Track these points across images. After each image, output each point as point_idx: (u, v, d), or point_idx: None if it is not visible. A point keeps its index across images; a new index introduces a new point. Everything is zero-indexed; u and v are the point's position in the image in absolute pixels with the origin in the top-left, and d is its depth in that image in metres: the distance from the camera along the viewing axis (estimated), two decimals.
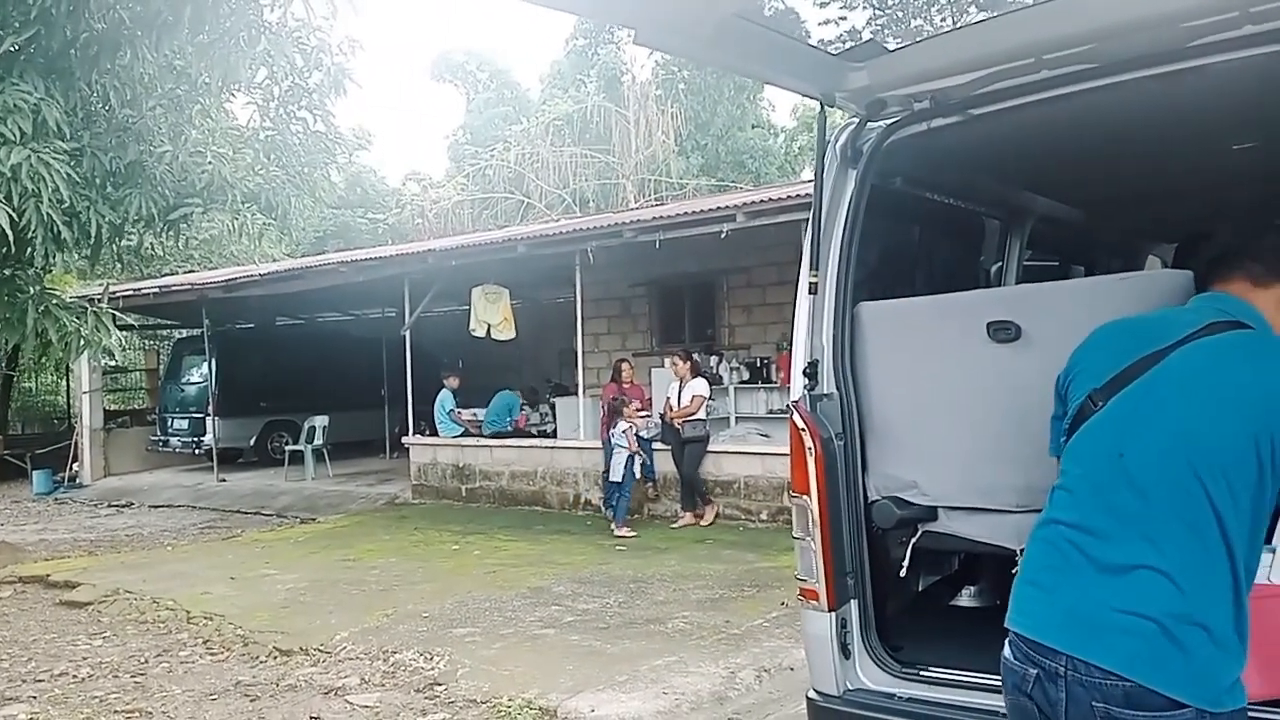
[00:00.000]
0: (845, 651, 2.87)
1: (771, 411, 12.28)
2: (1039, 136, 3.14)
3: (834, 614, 2.86)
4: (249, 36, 7.18)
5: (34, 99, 6.44)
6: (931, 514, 2.89)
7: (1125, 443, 1.88)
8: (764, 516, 10.03)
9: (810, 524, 2.87)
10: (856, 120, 3.00)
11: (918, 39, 2.92)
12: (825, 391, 2.96)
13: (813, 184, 3.02)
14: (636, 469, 10.40)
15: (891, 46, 2.80)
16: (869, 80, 2.84)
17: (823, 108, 2.91)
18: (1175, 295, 2.46)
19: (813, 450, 2.87)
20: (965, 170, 3.50)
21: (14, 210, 6.44)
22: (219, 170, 7.62)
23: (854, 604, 2.89)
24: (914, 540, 2.94)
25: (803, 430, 2.89)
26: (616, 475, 9.94)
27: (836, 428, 2.91)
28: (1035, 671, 1.86)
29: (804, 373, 2.95)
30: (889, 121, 2.94)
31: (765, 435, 11.33)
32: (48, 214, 6.61)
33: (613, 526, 9.84)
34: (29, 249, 7.40)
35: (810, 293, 2.96)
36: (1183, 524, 1.78)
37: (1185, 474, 1.79)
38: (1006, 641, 1.97)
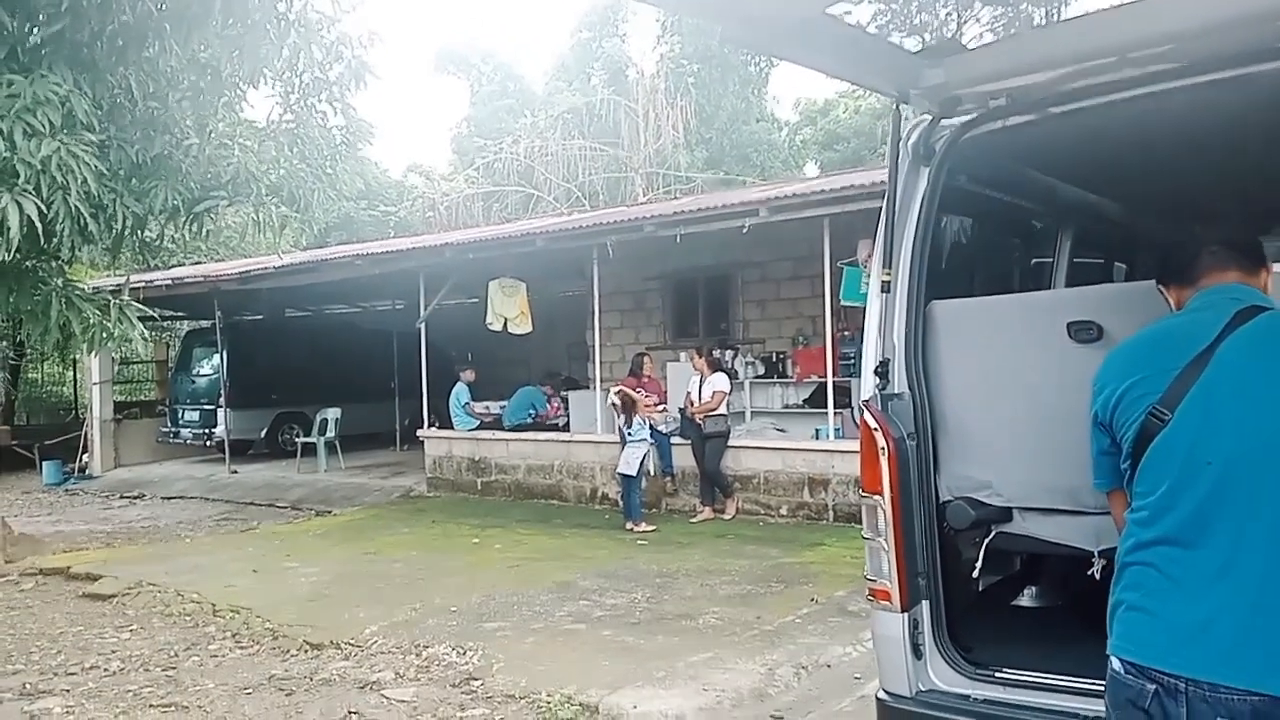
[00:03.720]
0: (917, 652, 2.86)
1: (787, 406, 12.27)
2: (1111, 135, 3.13)
3: (906, 614, 2.85)
4: (278, 30, 7.14)
5: (63, 91, 6.39)
6: (1006, 515, 2.88)
7: (1210, 449, 1.84)
8: (784, 511, 10.03)
9: (882, 524, 2.86)
10: (929, 118, 2.98)
11: (997, 38, 2.90)
12: (897, 390, 2.94)
13: (885, 181, 3.01)
14: (650, 464, 10.38)
15: (972, 45, 2.78)
16: (945, 78, 2.83)
17: (898, 105, 2.89)
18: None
19: (885, 450, 2.85)
20: (1033, 168, 3.50)
21: (43, 202, 6.41)
22: (245, 163, 7.58)
23: (925, 604, 2.88)
24: (987, 541, 2.93)
25: (875, 430, 2.87)
26: (631, 469, 9.90)
27: (908, 427, 2.90)
28: (1154, 687, 1.82)
29: (875, 371, 2.94)
30: (963, 119, 2.93)
31: (781, 430, 11.33)
32: (75, 206, 6.57)
33: (629, 524, 9.81)
34: (54, 241, 7.38)
35: (883, 291, 2.94)
36: None
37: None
38: (1112, 656, 1.94)
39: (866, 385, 2.97)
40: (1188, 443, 1.88)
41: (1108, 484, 2.13)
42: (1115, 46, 2.58)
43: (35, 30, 6.59)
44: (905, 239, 2.97)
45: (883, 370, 2.93)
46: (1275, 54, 2.45)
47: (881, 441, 2.86)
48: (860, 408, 2.96)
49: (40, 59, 6.66)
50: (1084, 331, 2.66)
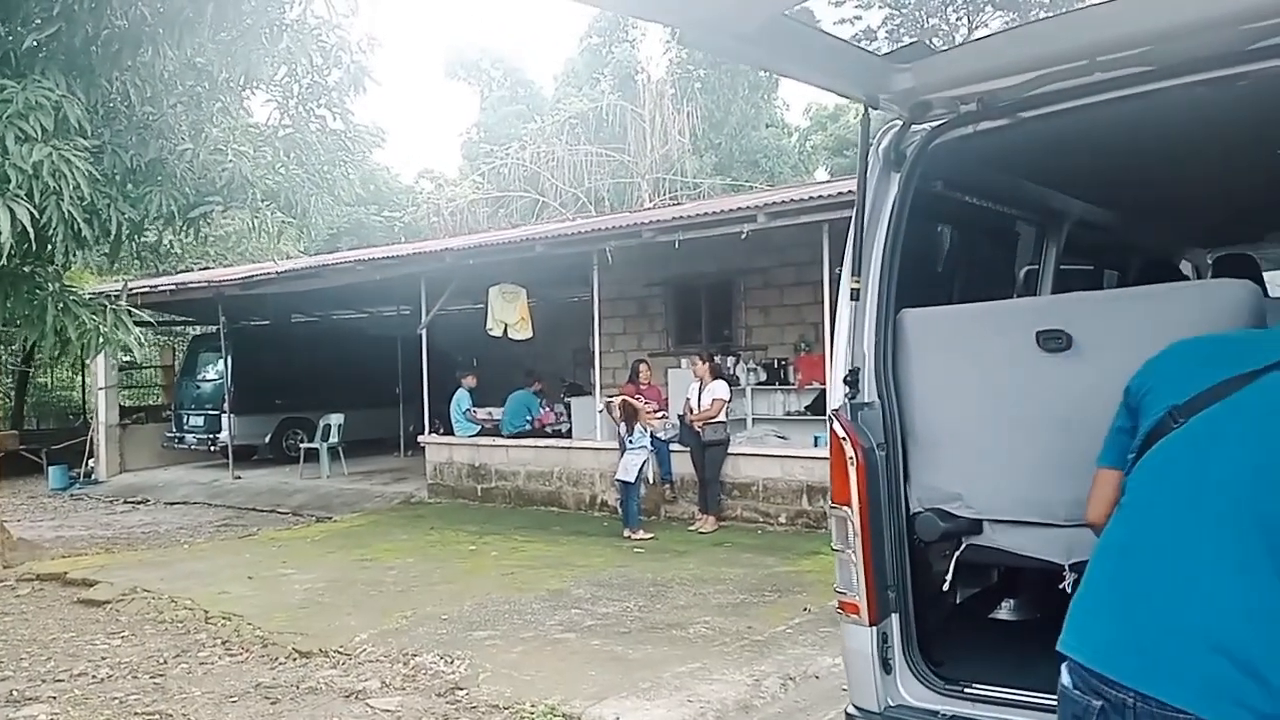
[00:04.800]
0: (886, 667, 2.80)
1: (789, 413, 12.20)
2: (1086, 140, 3.07)
3: (875, 628, 2.80)
4: (271, 34, 7.15)
5: (55, 96, 6.41)
6: (976, 527, 2.83)
7: (1205, 465, 1.78)
8: (782, 520, 9.96)
9: (851, 535, 2.81)
10: (899, 123, 2.94)
11: (966, 40, 2.86)
12: (866, 400, 2.89)
13: (855, 187, 2.96)
14: (649, 472, 10.31)
15: (941, 48, 2.73)
16: (914, 82, 2.78)
17: (866, 110, 2.85)
18: (1231, 305, 2.40)
19: (854, 460, 2.80)
20: (1008, 173, 3.44)
21: (35, 208, 6.42)
22: (239, 168, 7.59)
23: (895, 618, 2.82)
24: (958, 553, 2.87)
25: (843, 439, 2.82)
26: (629, 475, 9.85)
27: (878, 437, 2.85)
28: (1100, 704, 1.75)
29: (845, 380, 2.88)
30: (934, 124, 2.88)
31: (783, 437, 11.25)
32: (68, 211, 6.59)
33: (626, 532, 9.76)
34: (49, 246, 7.39)
35: (852, 299, 2.89)
36: (1261, 551, 1.67)
37: (1265, 504, 1.69)
38: (1064, 668, 1.86)
39: (836, 394, 2.92)
40: (1187, 454, 1.83)
41: (1108, 460, 2.06)
42: (1085, 49, 2.53)
43: (28, 35, 6.60)
44: (875, 246, 2.92)
45: (852, 379, 2.88)
46: (1247, 57, 2.40)
47: (850, 451, 2.81)
48: (829, 417, 2.91)
49: (34, 64, 6.69)
50: (1053, 340, 2.61)
